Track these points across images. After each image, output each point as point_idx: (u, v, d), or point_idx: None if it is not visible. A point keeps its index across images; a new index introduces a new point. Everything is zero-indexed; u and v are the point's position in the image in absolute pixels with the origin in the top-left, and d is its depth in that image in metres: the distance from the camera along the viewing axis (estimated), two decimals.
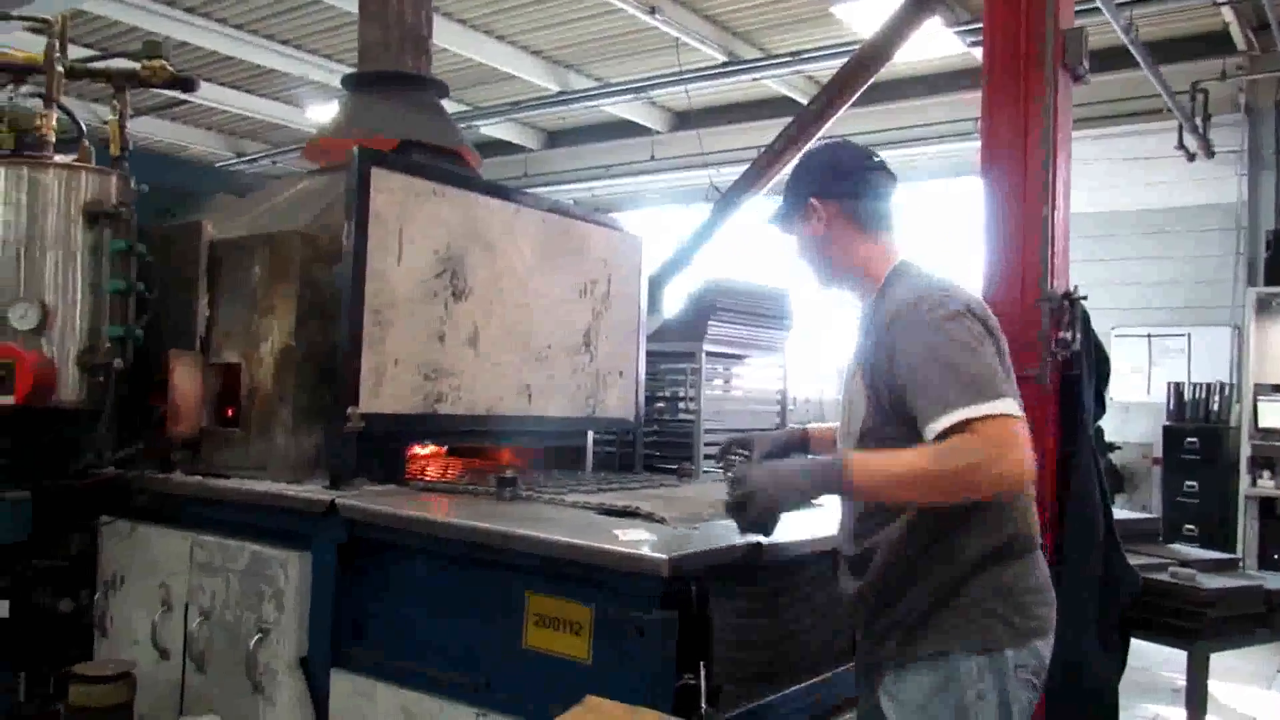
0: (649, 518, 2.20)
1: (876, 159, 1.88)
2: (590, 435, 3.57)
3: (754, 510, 1.68)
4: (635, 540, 1.91)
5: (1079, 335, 2.51)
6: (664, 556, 1.78)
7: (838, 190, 1.85)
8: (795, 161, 1.95)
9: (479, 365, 2.98)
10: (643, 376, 3.68)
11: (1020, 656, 1.66)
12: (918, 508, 1.71)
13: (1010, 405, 1.61)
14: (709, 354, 4.40)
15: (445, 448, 3.80)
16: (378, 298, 2.69)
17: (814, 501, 1.85)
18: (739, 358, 4.66)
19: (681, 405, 4.47)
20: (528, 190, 3.36)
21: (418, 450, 3.62)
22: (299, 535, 2.53)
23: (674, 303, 6.02)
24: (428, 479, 2.93)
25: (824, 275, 1.88)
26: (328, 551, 2.44)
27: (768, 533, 1.75)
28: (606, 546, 1.86)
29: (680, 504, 2.39)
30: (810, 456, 1.99)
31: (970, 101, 6.63)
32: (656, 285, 5.39)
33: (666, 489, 2.82)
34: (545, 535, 1.97)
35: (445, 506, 2.50)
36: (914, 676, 1.68)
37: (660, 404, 5.32)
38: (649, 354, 3.86)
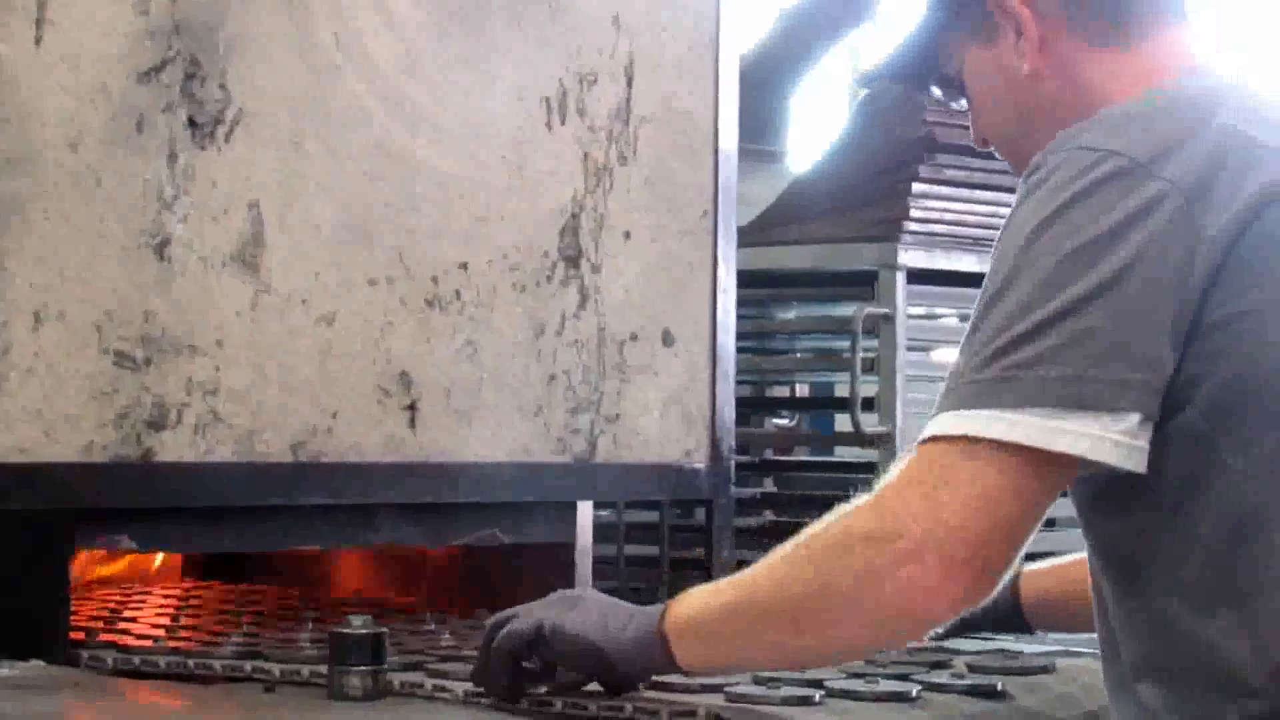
0: None
1: None
2: (587, 511, 3.61)
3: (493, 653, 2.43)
4: None
5: None
6: None
7: None
8: None
9: (268, 324, 3.02)
10: (731, 345, 3.70)
11: None
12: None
13: (1050, 429, 2.01)
14: (918, 275, 4.40)
15: (184, 554, 3.85)
16: None
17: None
18: None
19: (843, 419, 4.48)
20: None
21: (103, 562, 3.65)
22: None
23: (814, 131, 5.97)
24: (133, 641, 2.97)
25: (1038, 144, 2.23)
26: None
27: (503, 694, 2.44)
28: None
29: (837, 702, 2.45)
30: None
31: None
32: (764, 83, 5.41)
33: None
34: None
35: None
36: None
37: (785, 417, 5.28)
38: (749, 279, 3.88)
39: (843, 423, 4.65)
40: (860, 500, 2.12)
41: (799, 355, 4.78)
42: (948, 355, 4.67)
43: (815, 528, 2.16)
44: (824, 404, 4.85)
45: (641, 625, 2.28)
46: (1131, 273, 2.02)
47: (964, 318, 4.63)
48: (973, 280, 4.44)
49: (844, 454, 4.80)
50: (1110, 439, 2.00)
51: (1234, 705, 2.06)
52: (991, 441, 2.01)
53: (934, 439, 2.06)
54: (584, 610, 2.36)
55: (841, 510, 2.14)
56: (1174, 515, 2.08)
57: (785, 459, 4.86)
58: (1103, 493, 2.14)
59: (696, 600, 2.27)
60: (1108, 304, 2.01)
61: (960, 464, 2.02)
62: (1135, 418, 2.01)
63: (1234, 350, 2.04)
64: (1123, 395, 2.01)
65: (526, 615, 2.40)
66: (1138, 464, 2.02)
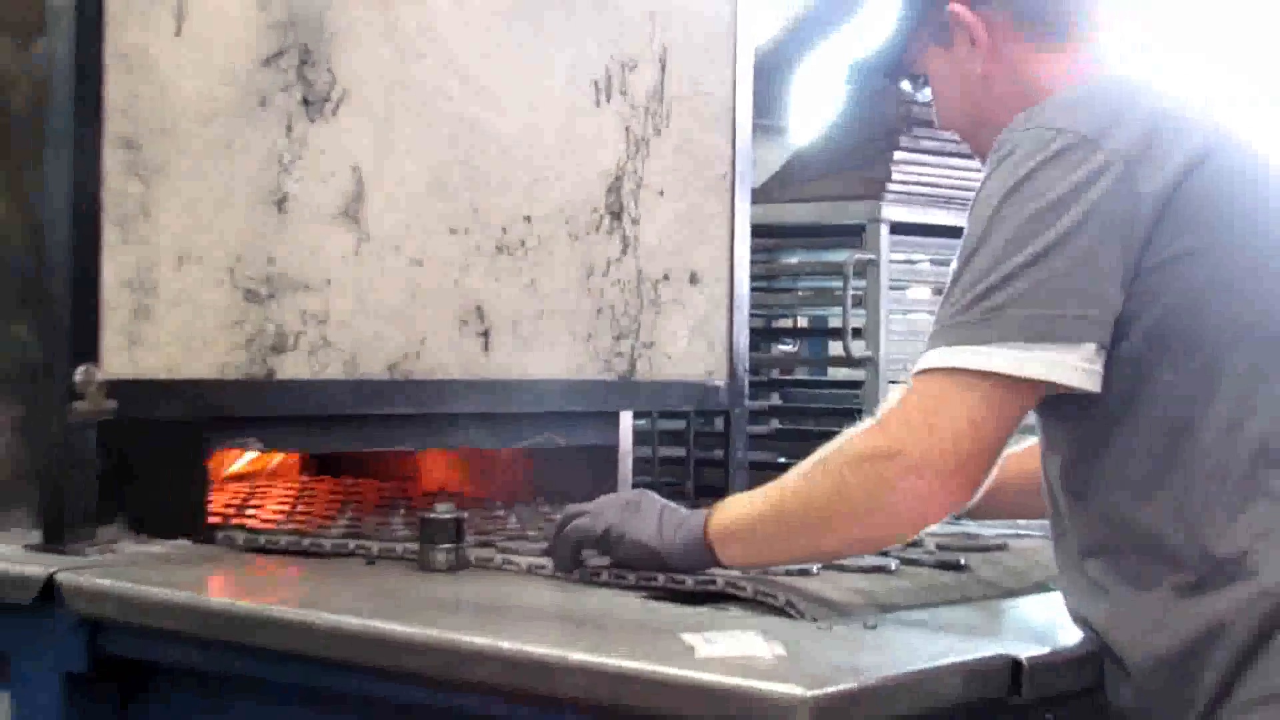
0: (761, 602, 2.31)
1: None
2: (628, 419, 3.65)
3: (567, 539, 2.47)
4: (733, 658, 1.94)
5: None
6: (799, 693, 1.80)
7: None
8: None
9: (368, 266, 3.05)
10: (745, 284, 3.73)
11: None
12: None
13: (1022, 359, 2.06)
14: (898, 228, 4.41)
15: (300, 454, 3.87)
16: (136, 113, 2.74)
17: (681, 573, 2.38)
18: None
19: (835, 345, 4.51)
20: None
21: (236, 463, 3.68)
22: None
23: (814, 110, 6.00)
24: (259, 524, 3.00)
25: (993, 131, 2.28)
26: (45, 689, 2.51)
27: (565, 567, 2.49)
28: (669, 672, 1.89)
29: (831, 573, 2.45)
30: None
31: None
32: (774, 70, 5.39)
33: None
34: (536, 650, 2.02)
35: (303, 587, 2.54)
36: None
37: (788, 344, 5.32)
38: (759, 231, 3.89)
39: (834, 348, 4.69)
40: (866, 424, 2.17)
41: (799, 293, 4.79)
42: (921, 293, 4.68)
43: (829, 448, 2.22)
44: (820, 333, 4.86)
45: (690, 531, 2.33)
46: (1084, 228, 2.05)
47: (936, 262, 4.64)
48: (945, 232, 4.49)
49: (835, 374, 4.81)
50: (1072, 365, 2.05)
51: (1168, 576, 2.10)
52: (975, 372, 2.06)
53: (926, 371, 2.10)
54: (643, 516, 2.39)
55: (850, 432, 2.20)
56: (1118, 424, 2.12)
57: (788, 378, 4.87)
58: (1058, 407, 2.16)
59: (734, 510, 2.32)
60: (1065, 254, 2.05)
61: (950, 392, 2.07)
62: (1092, 347, 2.06)
63: (1168, 288, 2.08)
64: (1081, 329, 2.05)
65: (597, 515, 2.44)
66: (1095, 385, 2.06)
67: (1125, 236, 2.06)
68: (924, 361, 2.12)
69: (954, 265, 2.16)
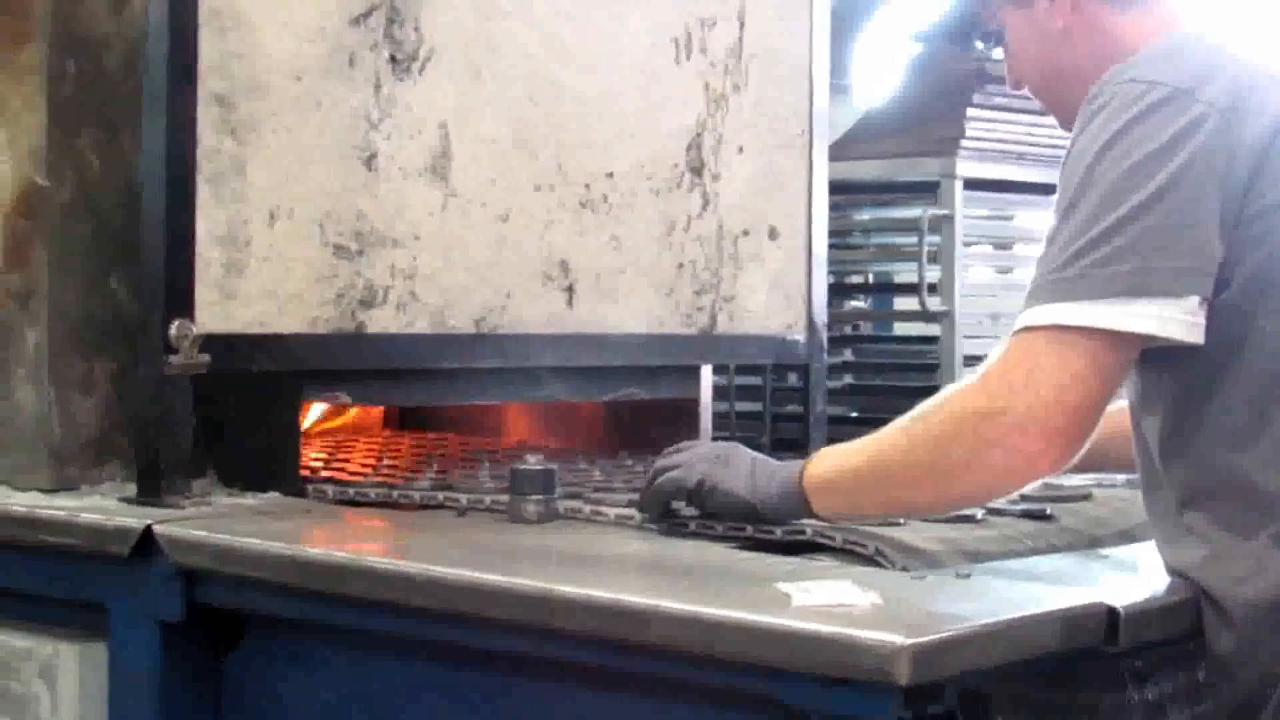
0: (853, 551, 2.30)
1: None
2: (708, 374, 3.65)
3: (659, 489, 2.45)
4: (828, 606, 1.94)
5: None
6: (898, 641, 1.80)
7: None
8: None
9: (454, 221, 3.06)
10: (823, 240, 3.72)
11: None
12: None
13: (1125, 313, 2.03)
14: (972, 184, 4.38)
15: (384, 408, 3.88)
16: (229, 71, 2.75)
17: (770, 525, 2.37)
18: (1041, 189, 4.59)
19: (909, 300, 4.49)
20: None
21: (324, 417, 3.68)
22: (78, 605, 2.61)
23: (882, 73, 5.96)
24: (348, 476, 3.01)
25: (1071, 88, 2.32)
26: (142, 639, 2.53)
27: (653, 516, 2.48)
28: (768, 621, 1.90)
29: (917, 523, 2.43)
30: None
31: None
32: (837, 28, 5.37)
33: None
34: (630, 600, 2.02)
35: (395, 538, 2.55)
36: None
37: (860, 299, 5.29)
38: (834, 187, 3.86)
39: (900, 303, 4.72)
40: (966, 382, 2.15)
41: (871, 249, 4.78)
42: (984, 249, 4.66)
43: (927, 405, 2.19)
44: (892, 288, 4.85)
45: (784, 482, 2.31)
46: (1183, 180, 2.03)
47: (998, 218, 4.63)
48: (1017, 187, 4.49)
49: (908, 329, 4.81)
50: (1175, 319, 2.03)
51: (1267, 524, 2.08)
52: (1076, 328, 2.03)
53: (1026, 329, 2.08)
54: (734, 468, 2.37)
55: (950, 390, 2.18)
56: (1218, 374, 2.10)
57: (862, 334, 4.87)
58: (1156, 361, 2.14)
59: (830, 461, 2.30)
60: (1165, 207, 2.03)
61: (1051, 349, 2.05)
62: (1195, 300, 2.04)
63: (1266, 237, 2.06)
64: (1184, 282, 2.03)
65: (689, 468, 2.41)
66: (1199, 337, 2.05)
67: (1225, 187, 2.05)
68: (1024, 319, 2.10)
69: (1051, 224, 2.14)
